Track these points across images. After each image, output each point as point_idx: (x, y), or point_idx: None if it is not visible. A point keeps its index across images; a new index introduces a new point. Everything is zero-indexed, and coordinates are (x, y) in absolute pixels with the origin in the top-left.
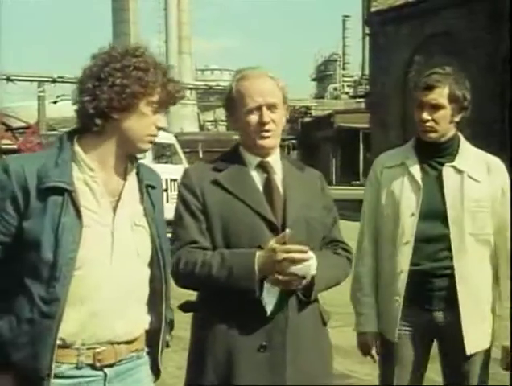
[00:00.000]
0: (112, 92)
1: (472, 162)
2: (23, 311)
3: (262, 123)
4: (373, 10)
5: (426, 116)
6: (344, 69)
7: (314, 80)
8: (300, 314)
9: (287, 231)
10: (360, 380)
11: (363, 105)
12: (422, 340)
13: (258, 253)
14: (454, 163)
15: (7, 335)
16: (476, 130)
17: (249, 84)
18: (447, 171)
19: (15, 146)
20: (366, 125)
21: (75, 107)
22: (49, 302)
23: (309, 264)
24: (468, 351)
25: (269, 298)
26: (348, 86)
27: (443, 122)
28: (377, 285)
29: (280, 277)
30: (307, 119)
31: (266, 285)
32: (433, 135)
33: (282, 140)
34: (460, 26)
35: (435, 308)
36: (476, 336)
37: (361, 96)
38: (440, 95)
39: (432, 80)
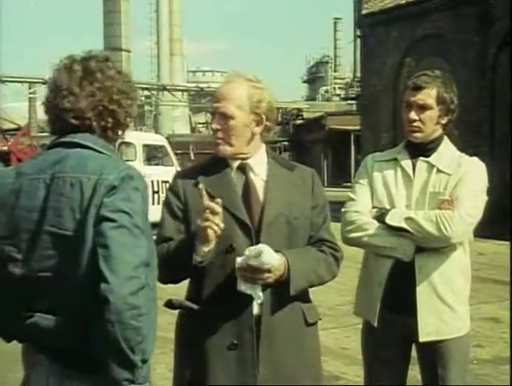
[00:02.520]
0: (130, 106)
1: (447, 158)
2: (148, 302)
3: (212, 129)
4: (364, 12)
5: (413, 115)
6: (335, 71)
7: (305, 82)
8: (276, 313)
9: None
10: (349, 382)
11: (354, 107)
12: (402, 341)
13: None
14: (428, 159)
15: (146, 330)
16: (465, 132)
17: (219, 87)
18: (420, 165)
19: (5, 148)
20: (357, 127)
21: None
22: (155, 287)
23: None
24: (421, 338)
25: (253, 290)
26: (339, 88)
27: (430, 123)
28: (364, 270)
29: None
30: (298, 121)
31: (243, 283)
32: (418, 135)
33: (274, 142)
34: (449, 29)
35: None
36: (431, 324)
37: (352, 98)
38: (428, 96)
39: (421, 80)
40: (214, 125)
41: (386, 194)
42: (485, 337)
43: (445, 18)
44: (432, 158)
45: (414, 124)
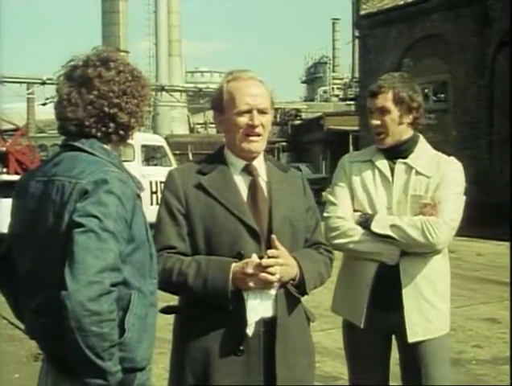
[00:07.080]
0: (136, 106)
1: (425, 160)
2: (140, 310)
3: (251, 126)
4: (362, 12)
5: (375, 121)
6: (334, 72)
7: (304, 82)
8: (289, 314)
9: (272, 236)
10: (348, 382)
11: (353, 108)
12: (384, 338)
13: (234, 265)
14: (406, 160)
15: (134, 339)
16: (463, 132)
17: (240, 85)
18: (399, 167)
19: (4, 149)
20: (356, 128)
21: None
22: (154, 293)
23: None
24: (410, 338)
25: (252, 306)
26: (338, 88)
27: (392, 125)
28: (347, 271)
29: (252, 285)
30: (296, 121)
31: (247, 294)
32: (386, 141)
33: (273, 142)
34: (447, 30)
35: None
36: (418, 324)
37: (350, 99)
38: (385, 99)
39: (376, 86)
40: (256, 121)
41: (366, 197)
42: (484, 337)
43: (444, 18)
44: (410, 160)
45: (378, 129)
